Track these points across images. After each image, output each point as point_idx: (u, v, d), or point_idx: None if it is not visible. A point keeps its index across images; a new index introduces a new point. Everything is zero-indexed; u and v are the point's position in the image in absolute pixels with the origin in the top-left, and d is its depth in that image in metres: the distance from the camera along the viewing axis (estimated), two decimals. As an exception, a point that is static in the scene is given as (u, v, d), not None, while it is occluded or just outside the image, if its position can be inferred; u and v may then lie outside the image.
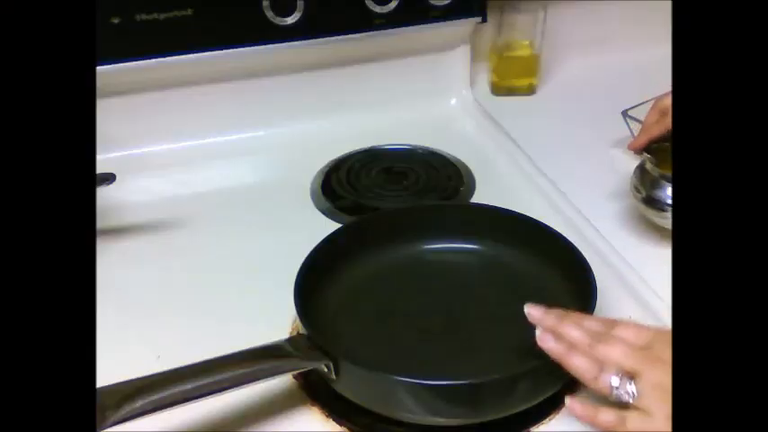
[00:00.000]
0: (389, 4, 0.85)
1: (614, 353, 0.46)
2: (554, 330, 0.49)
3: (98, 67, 0.74)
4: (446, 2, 0.87)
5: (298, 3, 0.81)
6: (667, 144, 0.66)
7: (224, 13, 0.80)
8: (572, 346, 0.48)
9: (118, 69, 0.77)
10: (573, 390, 0.52)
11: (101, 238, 0.71)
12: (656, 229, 0.68)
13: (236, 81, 0.86)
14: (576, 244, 0.60)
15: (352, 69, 0.90)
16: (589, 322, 0.50)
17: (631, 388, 0.45)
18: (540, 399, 0.50)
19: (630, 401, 0.45)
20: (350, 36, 0.85)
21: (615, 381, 0.45)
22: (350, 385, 0.50)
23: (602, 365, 0.46)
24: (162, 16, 0.77)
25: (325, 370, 0.49)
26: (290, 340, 0.52)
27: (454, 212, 0.68)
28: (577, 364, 0.47)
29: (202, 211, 0.77)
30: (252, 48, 0.82)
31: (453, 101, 0.96)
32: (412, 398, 0.48)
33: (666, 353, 0.43)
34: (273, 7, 0.80)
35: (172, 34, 0.78)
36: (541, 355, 0.48)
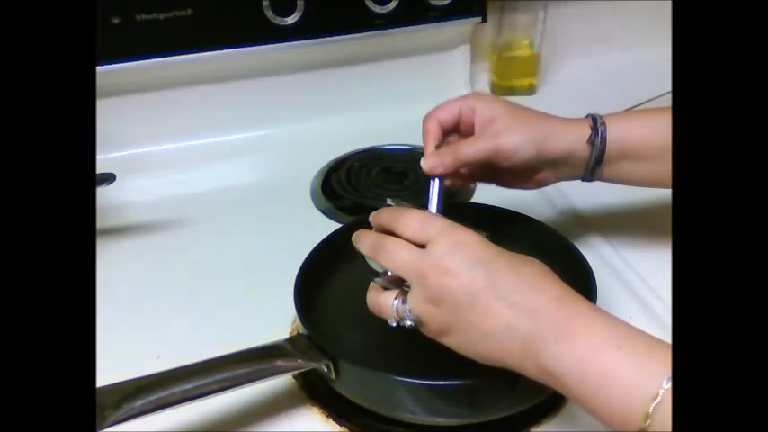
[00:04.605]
0: (389, 4, 0.85)
1: (391, 259, 0.46)
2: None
3: (98, 67, 0.75)
4: (446, 2, 0.87)
5: (298, 3, 0.81)
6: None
7: (224, 13, 0.80)
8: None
9: (118, 69, 0.77)
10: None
11: (101, 238, 0.72)
12: (657, 229, 0.68)
13: (236, 81, 0.86)
14: (576, 244, 0.60)
15: (352, 69, 0.91)
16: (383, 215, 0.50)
17: (405, 308, 0.45)
18: (540, 399, 0.50)
19: (410, 324, 0.46)
20: (350, 36, 0.85)
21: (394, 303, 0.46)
22: (350, 385, 0.50)
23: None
24: (162, 16, 0.77)
25: (325, 370, 0.49)
26: (290, 340, 0.52)
27: (454, 212, 0.68)
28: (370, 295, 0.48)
29: (202, 211, 0.77)
30: (252, 48, 0.82)
31: (453, 101, 0.96)
32: (412, 398, 0.48)
33: (439, 249, 0.44)
34: (273, 7, 0.81)
35: (172, 34, 0.78)
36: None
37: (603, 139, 0.57)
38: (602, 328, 0.40)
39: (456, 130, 0.58)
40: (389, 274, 0.46)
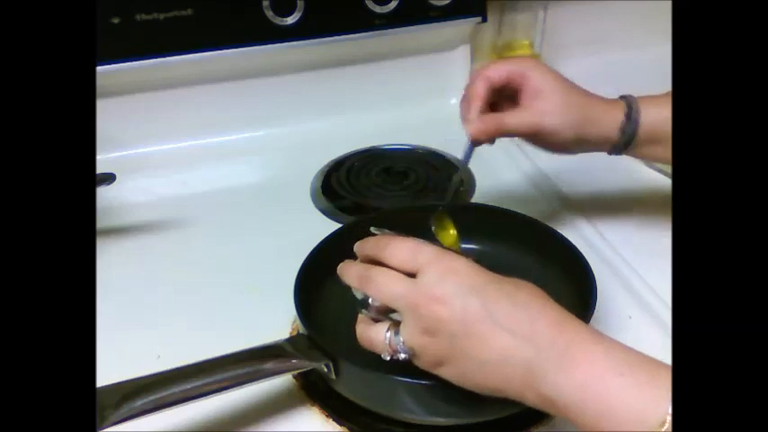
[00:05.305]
0: (389, 4, 0.85)
1: (380, 291, 0.44)
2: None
3: (98, 67, 0.75)
4: (446, 2, 0.87)
5: (298, 3, 0.81)
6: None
7: (224, 13, 0.80)
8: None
9: (118, 69, 0.77)
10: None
11: (101, 238, 0.72)
12: (658, 230, 0.68)
13: (236, 81, 0.86)
14: (576, 244, 0.60)
15: (352, 69, 0.91)
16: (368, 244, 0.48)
17: (398, 340, 0.44)
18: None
19: (404, 357, 0.44)
20: (350, 36, 0.85)
21: (387, 335, 0.44)
22: (350, 385, 0.50)
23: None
24: (162, 16, 0.77)
25: (325, 370, 0.49)
26: (290, 340, 0.52)
27: (455, 214, 0.68)
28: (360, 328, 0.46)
29: (202, 211, 0.77)
30: (252, 48, 0.82)
31: (453, 101, 0.96)
32: (412, 398, 0.48)
33: (430, 278, 0.42)
34: (273, 7, 0.81)
35: (172, 34, 0.78)
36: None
37: (636, 125, 0.59)
38: (602, 354, 0.39)
39: (501, 92, 0.59)
40: (371, 302, 0.45)
